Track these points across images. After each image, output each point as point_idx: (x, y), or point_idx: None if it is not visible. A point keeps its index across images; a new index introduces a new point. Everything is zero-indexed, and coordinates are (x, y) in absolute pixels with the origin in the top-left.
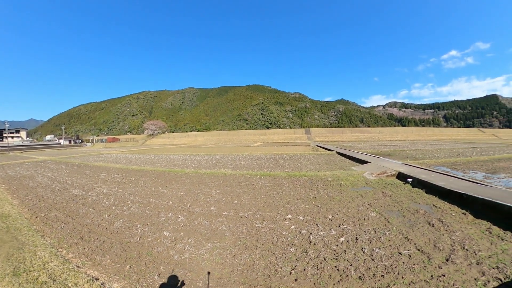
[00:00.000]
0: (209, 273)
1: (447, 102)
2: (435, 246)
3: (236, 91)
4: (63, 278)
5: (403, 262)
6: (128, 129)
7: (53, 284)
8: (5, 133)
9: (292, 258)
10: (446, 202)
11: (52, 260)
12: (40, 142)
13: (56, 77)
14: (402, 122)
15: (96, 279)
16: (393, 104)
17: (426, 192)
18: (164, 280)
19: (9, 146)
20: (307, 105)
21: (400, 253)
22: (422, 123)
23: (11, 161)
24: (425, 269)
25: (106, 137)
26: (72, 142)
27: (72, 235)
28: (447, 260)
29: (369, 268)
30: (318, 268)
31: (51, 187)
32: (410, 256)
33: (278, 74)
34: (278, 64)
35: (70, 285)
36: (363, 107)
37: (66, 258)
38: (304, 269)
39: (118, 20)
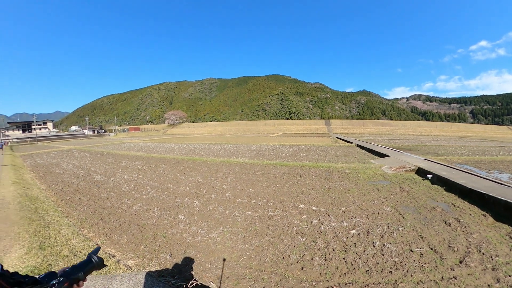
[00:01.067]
0: (224, 259)
1: (475, 96)
2: (449, 246)
3: (255, 81)
4: (83, 254)
5: (414, 260)
6: (149, 119)
7: (73, 258)
8: (34, 125)
9: (301, 247)
10: (466, 202)
11: (74, 238)
12: (66, 133)
13: (80, 71)
14: (426, 116)
15: (113, 256)
16: (417, 97)
17: (446, 190)
18: (175, 260)
19: (38, 137)
20: (328, 95)
21: (411, 250)
22: (447, 118)
23: (39, 150)
24: (436, 269)
25: (128, 127)
26: (96, 132)
27: (94, 216)
28: (460, 262)
29: (378, 263)
30: (326, 258)
31: (76, 173)
32: (422, 254)
33: (299, 63)
34: (298, 53)
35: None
36: (386, 99)
37: (87, 236)
38: (312, 259)
39: (138, 13)
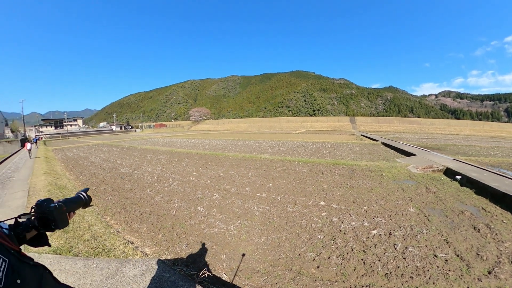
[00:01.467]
0: (241, 252)
1: (511, 93)
2: (477, 254)
3: (278, 78)
4: (103, 239)
5: (437, 266)
6: (174, 116)
7: (93, 242)
8: (65, 122)
9: (319, 244)
10: (497, 207)
11: (97, 224)
12: (94, 129)
13: (108, 71)
14: (456, 114)
15: (131, 243)
16: (446, 94)
17: (476, 193)
18: (191, 250)
19: (68, 133)
20: (353, 92)
21: (435, 256)
22: (479, 116)
23: (70, 145)
24: (461, 279)
25: (154, 124)
26: (123, 128)
27: (117, 205)
28: (489, 272)
29: (398, 267)
30: (344, 258)
31: (103, 166)
32: (446, 260)
33: (323, 59)
34: (323, 48)
35: (108, 244)
36: (413, 95)
37: (109, 223)
38: (329, 257)
39: (162, 13)
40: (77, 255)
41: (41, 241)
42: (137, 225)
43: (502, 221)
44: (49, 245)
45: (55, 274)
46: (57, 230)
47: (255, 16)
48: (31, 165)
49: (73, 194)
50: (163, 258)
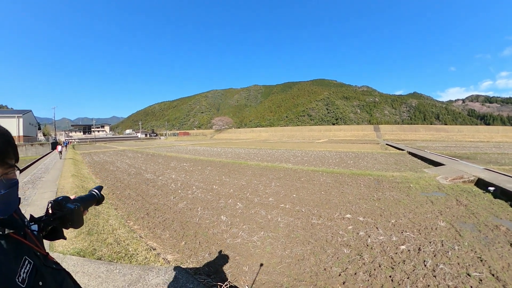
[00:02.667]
0: (261, 264)
1: None
2: None
3: (300, 87)
4: (126, 243)
5: (471, 286)
6: (197, 124)
7: (117, 246)
8: (93, 128)
9: (345, 259)
10: None
11: (120, 228)
12: (121, 135)
13: (135, 80)
14: (485, 119)
15: (154, 249)
16: (474, 98)
17: (511, 206)
18: (213, 260)
19: (96, 138)
20: (376, 99)
21: (468, 275)
22: (511, 121)
23: (97, 150)
24: None
25: (178, 132)
26: (148, 135)
27: (140, 210)
28: None
29: (428, 285)
30: (371, 274)
31: (128, 171)
32: (481, 280)
33: (344, 66)
34: (344, 55)
35: (130, 249)
36: (439, 101)
37: (132, 228)
38: (355, 273)
39: (185, 21)
40: (100, 259)
41: (57, 235)
42: (160, 231)
43: None
44: (65, 238)
45: (78, 276)
46: (82, 233)
47: (276, 24)
48: (60, 167)
49: None
50: (185, 267)
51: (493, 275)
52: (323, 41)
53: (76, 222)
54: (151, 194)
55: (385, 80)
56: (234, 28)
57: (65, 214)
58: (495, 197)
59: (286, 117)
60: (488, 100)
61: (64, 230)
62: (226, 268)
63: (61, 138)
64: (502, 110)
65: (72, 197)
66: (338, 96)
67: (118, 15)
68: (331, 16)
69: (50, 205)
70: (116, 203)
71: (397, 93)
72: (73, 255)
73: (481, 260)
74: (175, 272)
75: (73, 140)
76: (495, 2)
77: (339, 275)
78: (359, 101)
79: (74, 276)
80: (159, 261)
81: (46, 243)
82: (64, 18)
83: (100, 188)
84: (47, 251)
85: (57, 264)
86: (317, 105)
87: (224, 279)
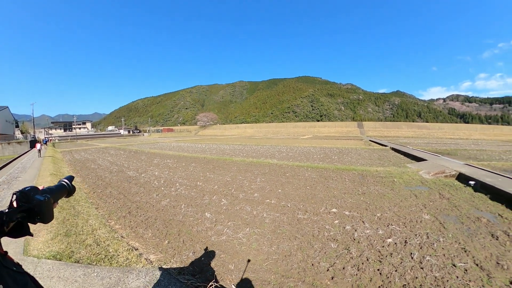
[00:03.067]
0: (249, 260)
1: None
2: (497, 263)
3: (285, 83)
4: (106, 244)
5: (457, 277)
6: (182, 120)
7: (96, 247)
8: (74, 125)
9: (332, 254)
10: None
11: (100, 228)
12: (103, 132)
13: (117, 75)
14: (464, 118)
15: (136, 249)
16: (455, 98)
17: (491, 199)
18: (198, 259)
19: (77, 135)
20: (360, 97)
21: (454, 265)
22: (489, 120)
23: (78, 148)
24: None
25: (161, 128)
26: (131, 132)
27: (122, 209)
28: (511, 283)
29: (416, 277)
30: (359, 268)
31: (109, 169)
32: (466, 270)
33: (329, 63)
34: (329, 52)
35: (111, 250)
36: (421, 100)
37: (113, 228)
38: (343, 268)
39: (170, 16)
40: (78, 261)
41: (22, 231)
42: (142, 230)
43: None
44: (31, 235)
45: (53, 281)
46: (59, 235)
47: (262, 20)
48: (38, 166)
49: (78, 196)
50: (169, 267)
51: (477, 265)
52: (308, 38)
53: (46, 216)
54: (133, 192)
55: (369, 79)
56: (220, 24)
57: (33, 206)
58: (475, 191)
59: (271, 113)
60: (468, 99)
61: (40, 231)
62: (212, 267)
63: (41, 135)
64: (480, 110)
65: (40, 187)
66: (322, 93)
67: (101, 7)
68: (317, 14)
69: (15, 197)
70: (97, 202)
71: (381, 91)
72: (48, 258)
73: (465, 251)
74: (157, 273)
75: (53, 138)
76: (476, 7)
77: (327, 270)
78: (343, 98)
79: (49, 281)
80: (141, 262)
81: (19, 246)
82: (43, 7)
83: (71, 178)
84: (21, 255)
85: (18, 266)
86: (302, 101)
87: (209, 278)
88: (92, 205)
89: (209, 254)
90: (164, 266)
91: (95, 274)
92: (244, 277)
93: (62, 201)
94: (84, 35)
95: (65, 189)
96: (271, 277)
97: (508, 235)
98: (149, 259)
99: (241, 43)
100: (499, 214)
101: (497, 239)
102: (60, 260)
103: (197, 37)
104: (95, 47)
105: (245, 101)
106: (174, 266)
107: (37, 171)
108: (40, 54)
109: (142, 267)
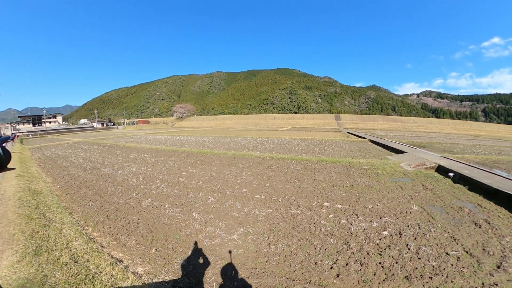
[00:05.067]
0: (249, 265)
1: (487, 95)
2: (484, 250)
3: (263, 75)
4: (85, 260)
5: (452, 264)
6: (157, 112)
7: (73, 266)
8: (44, 119)
9: (333, 250)
10: (492, 203)
11: (77, 239)
12: (75, 126)
13: (89, 65)
14: (436, 113)
15: (120, 261)
16: (428, 94)
17: (469, 189)
18: (192, 267)
19: (47, 130)
20: (337, 90)
21: (447, 254)
22: (458, 116)
23: (48, 143)
24: (475, 275)
25: (136, 120)
26: (105, 125)
27: (99, 213)
28: (498, 267)
29: (416, 268)
30: (362, 263)
31: (83, 166)
32: (458, 258)
33: (307, 56)
34: (307, 45)
35: (92, 267)
36: (396, 94)
37: (91, 237)
38: (347, 264)
39: (144, 4)
40: None
41: None
42: (125, 237)
43: (499, 216)
44: None
45: None
46: (27, 255)
47: (240, 12)
48: None
49: (49, 200)
50: (160, 280)
51: (467, 252)
52: (287, 31)
53: None
54: (110, 192)
55: (347, 73)
56: (197, 13)
57: None
58: (454, 182)
59: (250, 105)
60: (440, 96)
61: (4, 251)
62: (209, 277)
63: (7, 131)
64: (451, 106)
65: None
66: (300, 86)
67: None
68: (295, 7)
69: None
70: (70, 206)
71: (357, 85)
72: None
73: (455, 240)
74: None
75: (21, 133)
76: (449, 11)
77: (331, 268)
78: (320, 91)
79: None
80: (128, 278)
81: None
82: None
83: (3, 141)
84: None
85: None
86: (280, 93)
87: None
88: (66, 209)
89: (204, 261)
90: (155, 280)
91: None
92: (247, 284)
93: (30, 209)
94: (52, 23)
95: None
96: (276, 281)
97: (489, 223)
98: (137, 272)
99: (220, 33)
100: (478, 204)
101: (480, 227)
102: None
103: (172, 28)
104: (64, 36)
105: (223, 92)
106: (167, 278)
107: (1, 173)
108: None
109: (131, 285)
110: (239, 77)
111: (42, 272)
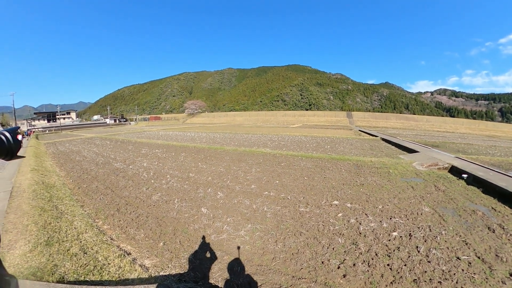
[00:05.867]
0: (255, 261)
1: (505, 93)
2: (496, 256)
3: (274, 71)
4: (94, 251)
5: (462, 270)
6: (169, 108)
7: (83, 256)
8: (58, 115)
9: (341, 250)
10: (507, 207)
11: (87, 231)
12: (88, 122)
13: (102, 63)
14: (450, 112)
15: (128, 254)
16: (442, 92)
17: (483, 192)
18: (199, 262)
19: (61, 126)
20: (349, 87)
21: (458, 258)
22: (474, 115)
23: (62, 139)
24: (487, 282)
25: (148, 116)
26: (117, 121)
27: (110, 206)
28: (511, 275)
29: (425, 271)
30: (369, 264)
31: (95, 160)
32: (469, 263)
33: (319, 53)
34: (319, 42)
35: (100, 259)
36: (409, 92)
37: (101, 229)
38: (354, 264)
39: (157, 2)
40: (63, 278)
41: None
42: (134, 230)
43: None
44: None
45: None
46: (39, 245)
47: (251, 9)
48: (19, 161)
49: (62, 193)
50: (167, 273)
51: (478, 257)
52: (299, 28)
53: None
54: (121, 186)
55: (359, 69)
56: (208, 12)
57: None
58: (468, 184)
59: (261, 101)
60: (455, 94)
61: (17, 241)
62: (215, 272)
63: (23, 127)
64: (466, 105)
65: None
66: (312, 82)
67: None
68: (306, 4)
69: None
70: (82, 199)
71: (370, 82)
72: (27, 278)
73: (466, 244)
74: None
75: (37, 129)
76: (465, 6)
77: (338, 268)
78: (332, 88)
79: None
80: (135, 270)
81: None
82: None
83: (14, 130)
84: None
85: None
86: (291, 90)
87: (214, 284)
88: (77, 202)
89: (210, 256)
90: (162, 273)
91: None
92: (252, 280)
93: (44, 202)
94: (66, 25)
95: (2, 147)
96: (282, 279)
97: (503, 228)
98: (144, 265)
99: (230, 31)
100: (492, 208)
101: (493, 232)
102: (41, 278)
103: (184, 26)
104: (78, 36)
105: (234, 88)
106: (173, 272)
107: (17, 166)
108: (21, 44)
109: (138, 277)
110: (250, 73)
111: (52, 261)
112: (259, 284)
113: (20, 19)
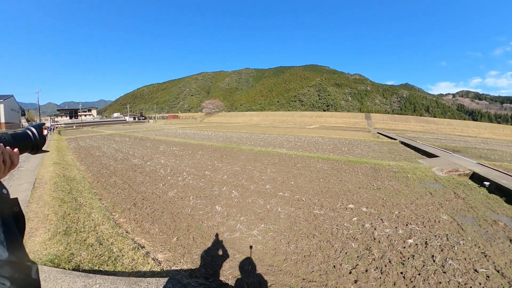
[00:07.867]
0: (266, 261)
1: None
2: None
3: (292, 71)
4: (110, 243)
5: (480, 283)
6: (187, 107)
7: (99, 247)
8: (80, 112)
9: (353, 255)
10: None
11: (104, 223)
12: (108, 119)
13: (122, 62)
14: (473, 115)
15: (142, 247)
16: (464, 94)
17: (506, 201)
18: (211, 258)
19: (83, 123)
20: (368, 88)
21: (476, 271)
22: (498, 119)
23: (83, 135)
24: None
25: (167, 115)
26: (136, 118)
27: (127, 200)
28: None
29: (440, 282)
30: (382, 271)
31: (114, 156)
32: (488, 277)
33: (337, 53)
34: (337, 42)
35: (115, 250)
36: (430, 94)
37: (117, 222)
38: (366, 270)
39: (176, 4)
40: (79, 266)
41: None
42: (149, 225)
43: None
44: None
45: None
46: (58, 234)
47: (269, 10)
48: (42, 154)
49: (81, 186)
50: (179, 268)
51: (498, 271)
52: (317, 29)
53: None
54: (138, 181)
55: (378, 70)
56: (226, 13)
57: None
58: (490, 192)
59: (278, 101)
60: (478, 97)
61: (38, 229)
62: (226, 269)
63: (47, 123)
64: (490, 108)
65: None
66: (330, 83)
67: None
68: (326, 5)
69: None
70: (100, 193)
71: (389, 83)
72: (45, 264)
73: (485, 256)
74: (168, 286)
75: (59, 125)
76: (487, 4)
77: (350, 273)
78: (350, 88)
79: None
80: (148, 263)
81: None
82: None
83: (40, 126)
84: None
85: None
86: (308, 90)
87: (224, 282)
88: (96, 195)
89: (222, 254)
90: (174, 268)
91: (97, 286)
92: (263, 280)
93: (64, 193)
94: (89, 27)
95: (28, 141)
96: (292, 281)
97: None
98: (157, 259)
99: (248, 31)
100: None
101: None
102: (58, 265)
103: (203, 29)
104: (100, 38)
105: (251, 88)
106: (185, 267)
107: (40, 160)
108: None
109: (150, 270)
110: (267, 73)
111: (69, 250)
112: (269, 284)
113: (49, 24)
